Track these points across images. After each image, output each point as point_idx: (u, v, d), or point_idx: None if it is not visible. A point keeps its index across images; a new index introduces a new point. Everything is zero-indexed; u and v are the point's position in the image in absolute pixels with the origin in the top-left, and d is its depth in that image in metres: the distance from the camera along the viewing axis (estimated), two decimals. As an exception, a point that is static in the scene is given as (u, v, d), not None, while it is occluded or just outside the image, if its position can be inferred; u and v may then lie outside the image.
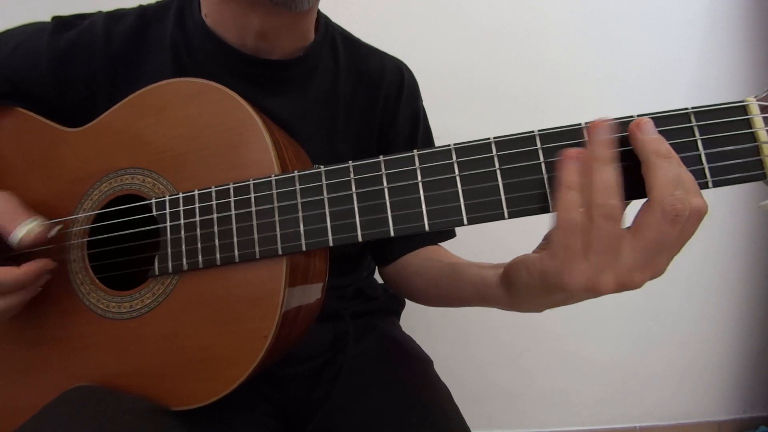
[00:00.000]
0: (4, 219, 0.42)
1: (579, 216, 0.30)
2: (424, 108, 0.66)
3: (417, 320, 0.96)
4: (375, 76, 0.60)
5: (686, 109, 0.30)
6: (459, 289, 0.50)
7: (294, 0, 0.46)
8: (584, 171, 0.30)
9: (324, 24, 0.58)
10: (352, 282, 0.64)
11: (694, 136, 0.29)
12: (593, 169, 0.30)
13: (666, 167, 0.28)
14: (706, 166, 0.29)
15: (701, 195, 0.29)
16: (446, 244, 0.63)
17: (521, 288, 0.36)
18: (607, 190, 0.29)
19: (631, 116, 0.31)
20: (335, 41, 0.60)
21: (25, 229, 0.42)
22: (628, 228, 0.30)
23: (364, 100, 0.60)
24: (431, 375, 0.59)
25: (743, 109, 0.29)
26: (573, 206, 0.30)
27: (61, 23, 0.52)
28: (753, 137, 0.28)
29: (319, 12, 0.58)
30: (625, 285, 0.30)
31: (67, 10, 0.54)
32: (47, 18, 0.53)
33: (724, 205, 1.12)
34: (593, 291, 0.30)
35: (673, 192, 0.28)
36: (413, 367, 0.59)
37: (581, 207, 0.30)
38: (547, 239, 0.34)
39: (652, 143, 0.29)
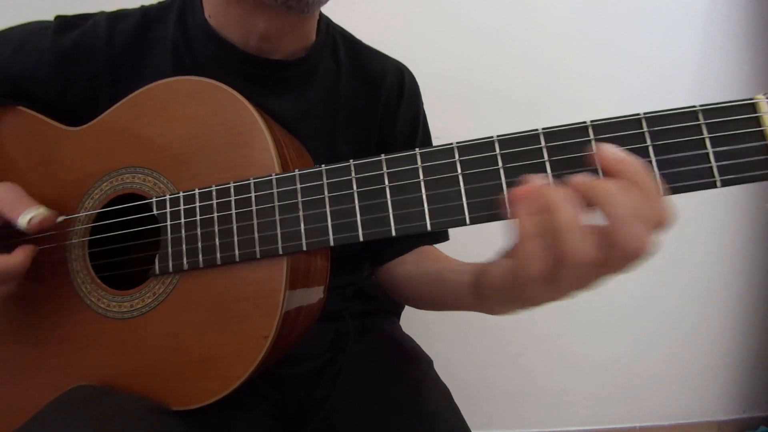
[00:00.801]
0: (10, 205, 0.43)
1: (542, 265, 0.28)
2: (424, 111, 0.66)
3: (417, 320, 0.96)
4: (376, 78, 0.60)
5: (694, 107, 0.29)
6: (443, 297, 0.51)
7: (306, 3, 0.46)
8: (543, 209, 0.28)
9: (325, 25, 0.58)
10: (353, 282, 0.64)
11: (702, 135, 0.29)
12: (555, 210, 0.27)
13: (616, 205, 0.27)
14: (714, 164, 0.29)
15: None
16: (447, 246, 0.63)
17: (488, 298, 0.37)
18: (571, 232, 0.27)
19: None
20: (336, 42, 0.60)
21: (34, 212, 0.42)
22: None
23: (365, 102, 0.60)
24: (431, 375, 0.59)
25: (752, 107, 0.28)
26: (534, 258, 0.28)
27: (63, 23, 0.52)
28: (762, 135, 0.28)
29: (320, 13, 0.58)
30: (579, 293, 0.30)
31: (69, 9, 0.54)
32: (50, 17, 0.53)
33: (724, 204, 1.12)
34: (554, 302, 0.31)
35: (632, 228, 0.26)
36: (413, 367, 0.59)
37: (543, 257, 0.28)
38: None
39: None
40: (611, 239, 0.27)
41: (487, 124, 1.05)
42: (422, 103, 0.66)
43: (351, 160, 0.36)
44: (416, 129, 0.64)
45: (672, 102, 0.30)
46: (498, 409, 1.16)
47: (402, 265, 0.60)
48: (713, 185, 0.29)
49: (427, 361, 0.62)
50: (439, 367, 0.61)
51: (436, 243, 0.62)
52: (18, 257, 0.42)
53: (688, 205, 1.16)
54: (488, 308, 0.40)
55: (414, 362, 0.60)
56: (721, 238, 1.13)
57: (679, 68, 1.09)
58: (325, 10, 0.59)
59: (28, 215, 0.42)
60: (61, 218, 0.45)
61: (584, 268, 0.27)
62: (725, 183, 0.29)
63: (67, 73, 0.50)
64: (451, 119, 0.99)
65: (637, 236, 0.26)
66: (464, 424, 0.52)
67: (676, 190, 0.29)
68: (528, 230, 0.28)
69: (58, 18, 0.53)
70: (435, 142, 0.66)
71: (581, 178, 0.28)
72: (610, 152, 0.28)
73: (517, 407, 1.16)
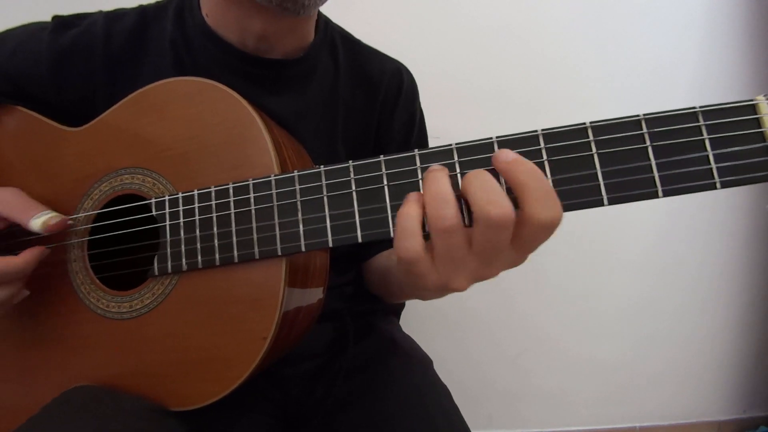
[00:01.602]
0: (18, 209, 0.43)
1: (412, 245, 0.30)
2: (422, 112, 0.66)
3: (417, 320, 0.96)
4: (374, 78, 0.60)
5: (694, 108, 0.29)
6: (400, 287, 0.54)
7: (302, 5, 0.46)
8: (423, 190, 0.31)
9: (324, 24, 0.58)
10: (352, 281, 0.64)
11: (702, 136, 0.29)
12: (426, 186, 0.30)
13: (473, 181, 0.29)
14: (714, 166, 0.29)
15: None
16: None
17: (406, 287, 0.38)
18: (438, 201, 0.29)
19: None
20: (335, 42, 0.60)
21: (49, 214, 0.42)
22: (467, 233, 0.30)
23: (363, 102, 0.60)
24: (431, 375, 0.59)
25: (752, 108, 0.28)
26: (405, 235, 0.30)
27: (61, 23, 0.52)
28: (762, 137, 0.28)
29: (318, 12, 0.58)
30: (479, 280, 0.32)
31: (67, 9, 0.54)
32: (47, 18, 0.53)
33: (723, 204, 1.12)
34: (450, 292, 0.32)
35: (486, 197, 0.28)
36: (413, 367, 0.59)
37: (416, 234, 0.30)
38: None
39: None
40: (474, 208, 0.28)
41: (486, 124, 1.05)
42: (419, 104, 0.66)
43: (350, 161, 0.36)
44: (412, 130, 0.64)
45: (672, 103, 0.30)
46: (498, 409, 1.16)
47: (375, 258, 0.62)
48: (713, 187, 0.29)
49: (426, 361, 0.62)
50: (438, 367, 0.61)
51: None
52: (25, 258, 0.42)
53: (688, 206, 1.17)
54: (419, 295, 0.42)
55: (413, 362, 0.60)
56: (721, 239, 1.13)
57: (679, 69, 1.09)
58: (325, 9, 0.59)
59: (42, 217, 0.42)
60: (71, 221, 0.45)
61: (451, 236, 0.29)
62: (725, 184, 0.29)
63: (64, 73, 0.50)
64: (451, 119, 0.99)
65: (489, 201, 0.28)
66: (464, 424, 0.52)
67: (676, 192, 0.29)
68: (399, 215, 0.31)
69: (56, 18, 0.53)
70: (435, 142, 0.66)
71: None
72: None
73: (517, 407, 1.17)
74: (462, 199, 0.30)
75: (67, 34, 0.51)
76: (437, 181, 0.30)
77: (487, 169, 0.30)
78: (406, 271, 0.31)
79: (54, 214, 0.43)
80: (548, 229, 0.29)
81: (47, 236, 0.45)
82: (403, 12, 1.05)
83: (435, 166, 0.32)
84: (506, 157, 0.30)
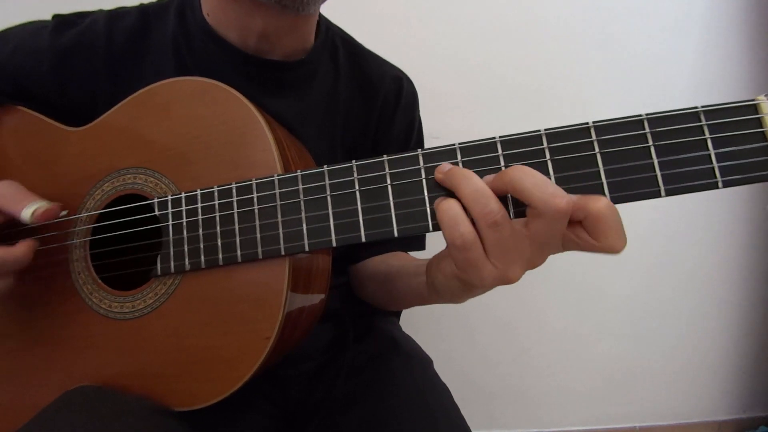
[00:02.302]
0: (12, 199, 0.43)
1: (464, 230, 0.30)
2: (420, 120, 0.66)
3: (417, 320, 0.96)
4: (374, 82, 0.60)
5: (695, 108, 0.29)
6: (403, 294, 0.54)
7: (301, 2, 0.46)
8: (455, 189, 0.32)
9: (324, 27, 0.58)
10: (352, 281, 0.64)
11: (704, 135, 0.29)
12: (460, 186, 0.31)
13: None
14: (715, 165, 0.29)
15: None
16: None
17: (442, 289, 0.38)
18: (480, 197, 0.30)
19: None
20: (336, 45, 0.60)
21: (38, 204, 0.42)
22: (521, 224, 0.31)
23: (361, 106, 0.60)
24: (431, 375, 0.59)
25: (754, 108, 0.29)
26: (454, 223, 0.31)
27: (62, 22, 0.52)
28: (763, 136, 0.28)
29: (320, 15, 0.58)
30: (531, 268, 0.33)
31: (68, 8, 0.54)
32: (47, 17, 0.53)
33: (723, 203, 1.12)
34: (506, 283, 0.32)
35: (547, 191, 0.29)
36: (413, 366, 0.59)
37: (465, 221, 0.31)
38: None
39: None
40: (535, 202, 0.29)
41: (487, 124, 1.05)
42: (419, 112, 0.66)
43: (353, 161, 0.36)
44: (410, 136, 0.64)
45: (674, 103, 0.30)
46: (498, 409, 1.16)
47: (369, 263, 0.61)
48: (715, 186, 0.29)
49: (426, 361, 0.62)
50: (438, 367, 0.61)
51: (409, 250, 0.64)
52: (20, 249, 0.42)
53: (689, 205, 1.17)
54: (446, 298, 0.41)
55: (413, 362, 0.60)
56: (723, 238, 1.14)
57: (681, 69, 1.09)
58: (325, 11, 0.59)
59: (31, 207, 0.42)
60: (64, 212, 0.45)
61: (501, 228, 0.30)
62: (726, 184, 0.29)
63: (66, 72, 0.50)
64: (452, 119, 0.99)
65: (553, 194, 0.29)
66: (464, 424, 0.52)
67: (678, 191, 0.30)
68: (441, 209, 0.31)
69: (56, 17, 0.53)
70: (435, 142, 0.66)
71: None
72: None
73: (517, 407, 1.17)
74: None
75: (68, 32, 0.51)
76: (470, 178, 0.31)
77: (525, 164, 0.31)
78: (462, 260, 0.32)
79: (42, 204, 0.42)
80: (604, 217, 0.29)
81: (49, 235, 0.45)
82: (403, 12, 1.05)
83: (447, 165, 0.33)
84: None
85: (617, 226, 0.29)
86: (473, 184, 0.31)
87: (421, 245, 0.64)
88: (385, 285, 0.58)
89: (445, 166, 0.33)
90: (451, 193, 0.32)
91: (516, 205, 0.31)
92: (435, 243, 0.43)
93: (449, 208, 0.31)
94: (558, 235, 0.30)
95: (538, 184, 0.29)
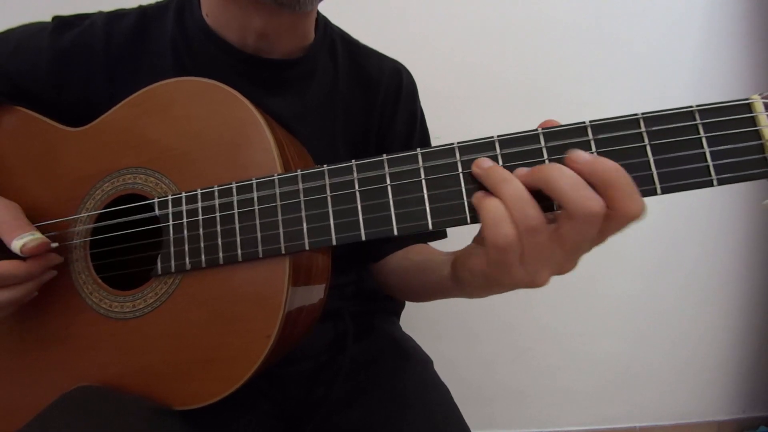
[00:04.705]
0: (6, 227, 0.42)
1: (509, 231, 0.30)
2: (422, 111, 0.66)
3: (417, 320, 0.96)
4: (373, 78, 0.60)
5: (690, 107, 0.30)
6: (426, 288, 0.53)
7: (297, 1, 0.46)
8: (494, 189, 0.31)
9: (323, 25, 0.59)
10: (353, 281, 0.64)
11: (699, 134, 0.29)
12: (500, 188, 0.31)
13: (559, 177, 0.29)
14: (710, 163, 0.29)
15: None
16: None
17: (467, 284, 0.38)
18: (519, 202, 0.30)
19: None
20: (334, 43, 0.60)
21: (28, 237, 0.42)
22: (553, 229, 0.30)
23: (362, 103, 0.60)
24: (430, 375, 0.59)
25: (748, 107, 0.29)
26: (499, 223, 0.30)
27: (61, 23, 0.52)
28: (758, 135, 0.28)
29: (318, 13, 0.58)
30: (560, 274, 0.32)
31: (67, 10, 0.54)
32: (47, 18, 0.53)
33: (723, 202, 1.12)
34: (533, 287, 0.32)
35: (581, 194, 0.28)
36: (413, 367, 0.59)
37: (509, 222, 0.30)
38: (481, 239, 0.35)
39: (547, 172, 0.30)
40: (569, 205, 0.29)
41: (487, 124, 1.06)
42: (420, 103, 0.66)
43: (353, 160, 0.36)
44: (414, 129, 0.64)
45: (674, 103, 0.30)
46: (498, 409, 1.16)
47: (392, 258, 0.61)
48: (710, 184, 0.29)
49: (426, 361, 0.62)
50: (438, 367, 0.61)
51: (431, 240, 0.63)
52: (27, 263, 0.42)
53: (689, 205, 1.17)
54: (468, 293, 0.42)
55: (413, 362, 0.60)
56: (721, 237, 1.14)
57: (681, 69, 1.10)
58: (324, 10, 0.60)
59: (22, 240, 0.41)
60: (55, 244, 0.44)
61: (537, 234, 0.30)
62: (721, 182, 0.29)
63: (65, 72, 0.50)
64: (452, 119, 0.99)
65: (587, 197, 0.28)
66: (464, 424, 0.53)
67: (673, 189, 0.30)
68: (486, 207, 0.31)
69: (56, 18, 0.53)
70: (435, 141, 0.67)
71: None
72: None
73: (517, 407, 1.17)
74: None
75: (68, 33, 0.51)
76: (511, 181, 0.30)
77: (557, 163, 0.30)
78: (497, 260, 0.31)
79: (33, 237, 0.42)
80: (635, 220, 0.29)
81: (49, 235, 0.45)
82: (403, 12, 1.05)
83: (486, 162, 0.32)
84: (584, 157, 0.30)
85: (629, 185, 0.28)
86: (514, 187, 0.30)
87: (443, 234, 0.64)
88: (407, 279, 0.58)
89: (485, 161, 0.32)
90: (480, 186, 0.32)
91: (540, 199, 0.30)
92: (456, 232, 0.43)
93: (495, 207, 0.30)
94: (589, 238, 0.30)
95: (574, 185, 0.28)
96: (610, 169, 0.29)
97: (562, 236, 0.30)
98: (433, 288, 0.51)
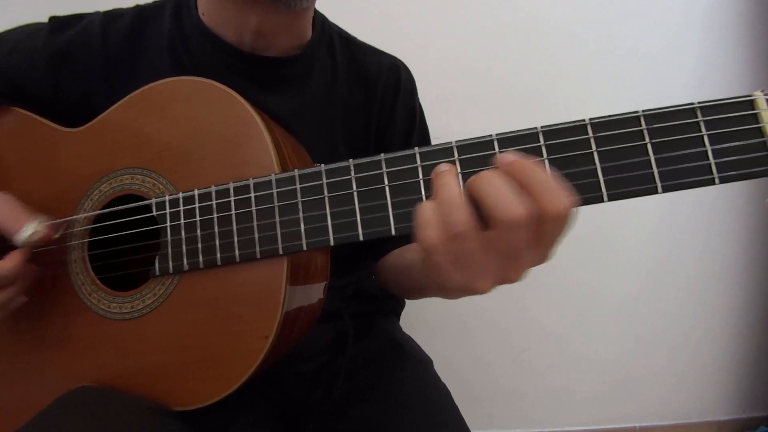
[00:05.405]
0: (8, 219, 0.42)
1: (432, 234, 0.30)
2: (420, 106, 0.66)
3: (417, 320, 0.96)
4: (372, 75, 0.60)
5: (692, 104, 0.29)
6: (417, 286, 0.53)
7: None
8: (434, 193, 0.31)
9: (320, 23, 0.58)
10: (352, 281, 0.64)
11: (701, 132, 0.29)
12: (437, 192, 0.30)
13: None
14: (712, 161, 0.29)
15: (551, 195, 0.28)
16: None
17: (431, 285, 0.38)
18: (448, 207, 0.29)
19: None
20: (332, 40, 0.60)
21: (32, 230, 0.42)
22: (484, 236, 0.29)
23: (361, 99, 0.60)
24: (430, 375, 0.59)
25: (750, 104, 0.29)
26: (425, 226, 0.30)
27: (58, 23, 0.52)
28: (760, 132, 0.28)
29: (315, 11, 0.58)
30: (503, 282, 0.31)
31: (65, 10, 0.54)
32: (45, 18, 0.53)
33: (723, 202, 1.12)
34: (474, 294, 0.31)
35: (502, 199, 0.28)
36: (413, 367, 0.59)
37: (434, 225, 0.30)
38: None
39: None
40: (489, 212, 0.28)
41: (486, 122, 1.05)
42: (418, 99, 0.66)
43: (350, 160, 0.36)
44: (413, 125, 0.64)
45: (671, 100, 0.30)
46: (498, 409, 1.16)
47: (389, 256, 0.61)
48: (712, 182, 0.29)
49: (426, 361, 0.62)
50: (438, 367, 0.61)
51: None
52: (10, 262, 0.41)
53: (690, 205, 1.17)
54: (442, 293, 0.41)
55: (413, 362, 0.60)
56: (721, 236, 1.14)
57: (678, 66, 1.09)
58: (324, 9, 0.59)
59: (26, 233, 0.41)
60: (60, 231, 0.44)
61: (465, 240, 0.29)
62: (723, 180, 0.29)
63: (62, 72, 0.50)
64: (451, 118, 0.99)
65: (503, 202, 0.28)
66: (464, 424, 0.53)
67: (675, 188, 0.29)
68: (420, 209, 0.31)
69: (53, 18, 0.53)
70: (434, 141, 0.66)
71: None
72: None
73: (517, 407, 1.16)
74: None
75: (65, 34, 0.51)
76: (447, 186, 0.30)
77: (491, 170, 0.30)
78: (428, 262, 0.31)
79: (37, 227, 0.42)
80: (563, 220, 0.29)
81: (54, 239, 0.45)
82: (403, 11, 1.05)
83: (443, 167, 0.32)
84: (507, 159, 0.29)
85: (546, 183, 0.28)
86: (447, 192, 0.30)
87: None
88: (401, 277, 0.58)
89: (442, 167, 0.32)
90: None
91: None
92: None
93: (425, 210, 0.30)
94: (523, 245, 0.29)
95: (493, 192, 0.28)
96: (526, 167, 0.28)
97: (492, 243, 0.29)
98: (421, 286, 0.51)
